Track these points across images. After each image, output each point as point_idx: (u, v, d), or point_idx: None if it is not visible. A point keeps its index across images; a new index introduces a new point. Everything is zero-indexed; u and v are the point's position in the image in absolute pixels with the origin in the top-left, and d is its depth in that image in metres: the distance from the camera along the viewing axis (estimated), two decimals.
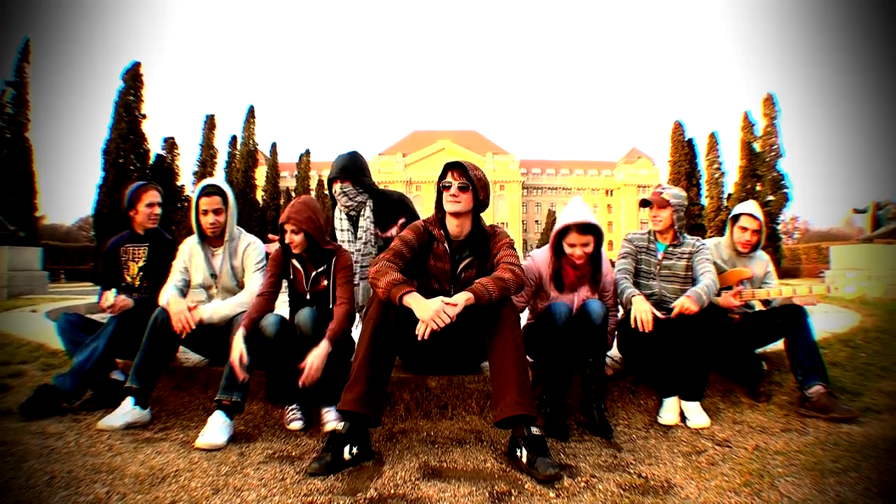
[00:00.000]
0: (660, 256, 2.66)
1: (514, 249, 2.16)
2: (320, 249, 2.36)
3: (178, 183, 21.97)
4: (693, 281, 2.56)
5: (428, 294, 1.91)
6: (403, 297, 1.86)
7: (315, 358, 2.06)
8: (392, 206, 2.82)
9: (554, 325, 2.19)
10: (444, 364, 2.37)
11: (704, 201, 25.74)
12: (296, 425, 2.20)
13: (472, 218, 2.21)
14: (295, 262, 2.41)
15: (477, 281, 1.93)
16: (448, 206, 2.12)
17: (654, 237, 2.72)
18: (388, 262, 2.03)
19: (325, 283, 2.38)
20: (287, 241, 2.31)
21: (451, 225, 2.17)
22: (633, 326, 2.29)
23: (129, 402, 2.18)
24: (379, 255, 2.18)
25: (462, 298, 1.84)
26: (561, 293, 2.45)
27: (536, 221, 79.60)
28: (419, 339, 1.80)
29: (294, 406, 2.27)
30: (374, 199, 2.78)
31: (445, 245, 2.19)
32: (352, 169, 2.68)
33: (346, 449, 1.75)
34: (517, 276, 1.97)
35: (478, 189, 2.12)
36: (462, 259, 2.20)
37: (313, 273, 2.37)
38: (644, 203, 2.77)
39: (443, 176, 2.16)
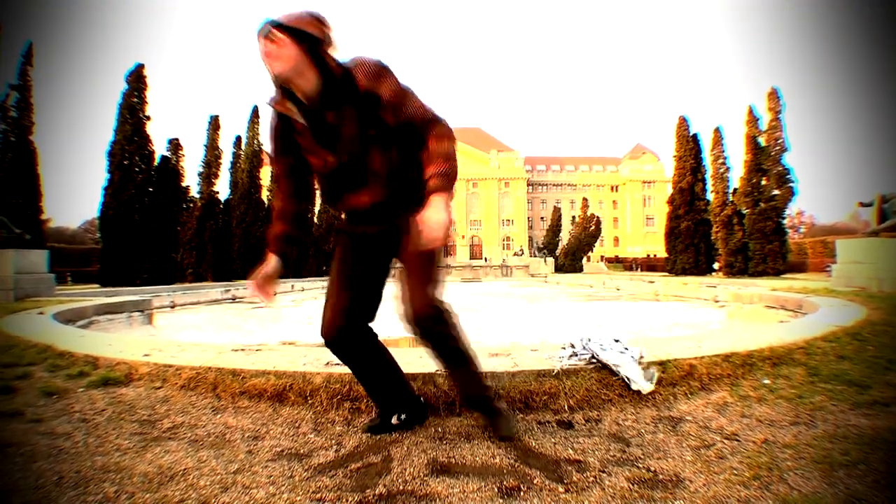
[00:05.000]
0: None
1: (410, 89, 1.77)
2: None
3: (184, 184, 21.97)
4: None
5: (330, 176, 1.77)
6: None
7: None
8: None
9: None
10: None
11: (710, 196, 25.52)
12: None
13: (315, 64, 1.68)
14: None
15: (430, 175, 1.67)
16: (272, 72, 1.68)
17: None
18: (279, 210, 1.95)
19: None
20: None
21: (296, 91, 1.72)
22: None
23: None
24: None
25: (440, 203, 1.62)
26: None
27: (542, 218, 79.43)
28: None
29: None
30: None
31: (303, 120, 1.76)
32: None
33: (395, 416, 1.79)
34: (447, 130, 1.75)
35: (297, 31, 1.63)
36: (333, 118, 1.75)
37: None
38: None
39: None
